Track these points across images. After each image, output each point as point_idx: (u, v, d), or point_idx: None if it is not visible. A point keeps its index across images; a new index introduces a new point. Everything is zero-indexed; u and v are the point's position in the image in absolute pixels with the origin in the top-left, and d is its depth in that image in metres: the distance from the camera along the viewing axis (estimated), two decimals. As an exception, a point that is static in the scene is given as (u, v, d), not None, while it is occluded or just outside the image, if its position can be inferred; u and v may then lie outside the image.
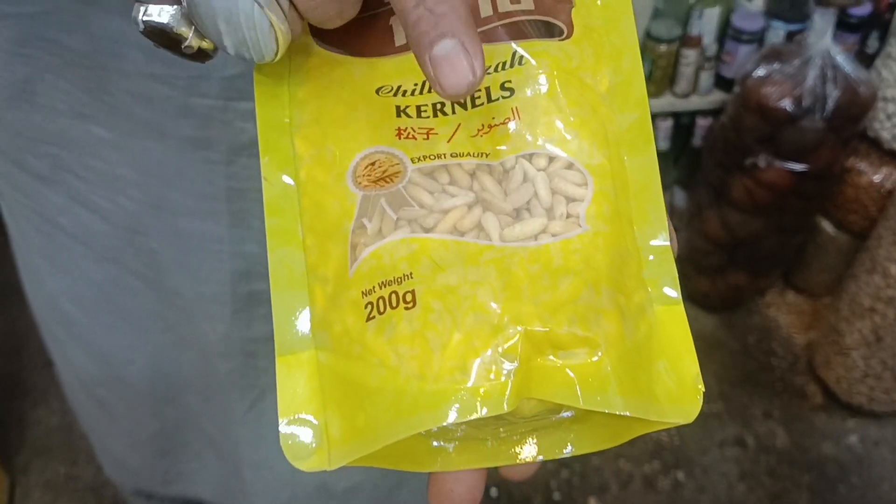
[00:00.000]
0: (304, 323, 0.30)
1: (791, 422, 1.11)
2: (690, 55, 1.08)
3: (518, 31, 0.31)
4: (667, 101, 1.15)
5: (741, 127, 1.02)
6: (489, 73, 0.30)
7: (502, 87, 0.30)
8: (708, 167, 1.12)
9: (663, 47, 1.06)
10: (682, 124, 1.19)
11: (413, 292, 0.27)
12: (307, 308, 0.30)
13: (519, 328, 0.26)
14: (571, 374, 0.26)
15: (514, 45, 0.31)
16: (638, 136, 0.31)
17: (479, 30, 0.29)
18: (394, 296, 0.28)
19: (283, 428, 0.28)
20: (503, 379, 0.25)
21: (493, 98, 0.30)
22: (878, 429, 1.15)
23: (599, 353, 0.26)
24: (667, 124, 1.19)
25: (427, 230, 0.28)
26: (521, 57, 0.31)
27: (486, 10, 0.32)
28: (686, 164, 1.24)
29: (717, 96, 1.12)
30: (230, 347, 0.51)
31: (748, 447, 1.08)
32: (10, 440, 1.14)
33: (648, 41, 1.07)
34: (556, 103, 0.30)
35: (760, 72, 0.99)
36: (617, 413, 0.26)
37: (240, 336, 0.50)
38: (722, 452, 1.06)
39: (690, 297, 1.19)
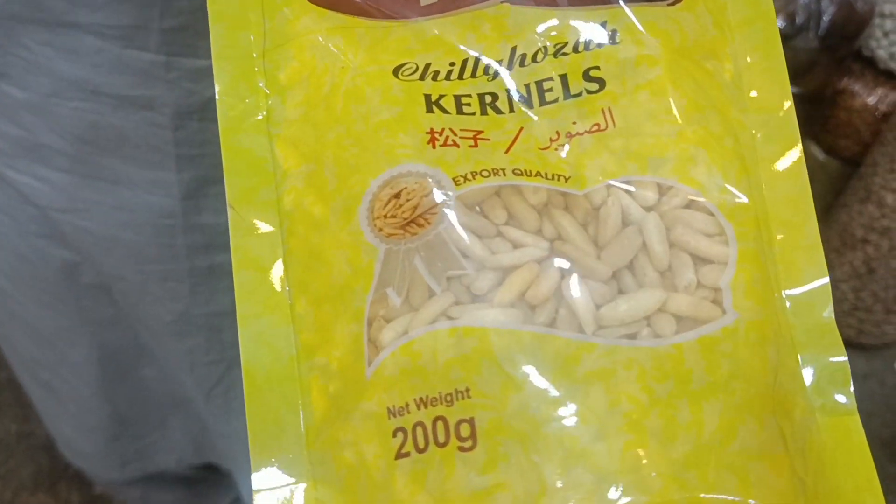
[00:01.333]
0: (293, 437, 0.19)
1: (778, 357, 1.08)
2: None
3: None
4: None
5: (730, 47, 0.96)
6: (564, 54, 0.20)
7: (587, 77, 0.20)
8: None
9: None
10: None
11: (472, 422, 0.17)
12: (298, 412, 0.19)
13: (640, 498, 0.16)
14: None
15: (600, 10, 0.21)
16: (781, 150, 0.21)
17: None
18: (441, 424, 0.18)
19: None
20: None
21: (573, 92, 0.20)
22: (866, 362, 1.12)
23: None
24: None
25: (476, 297, 0.18)
26: (614, 31, 0.21)
27: None
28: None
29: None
30: (190, 325, 0.46)
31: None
32: (-44, 397, 1.09)
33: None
34: (667, 105, 0.20)
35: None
36: None
37: (201, 312, 0.45)
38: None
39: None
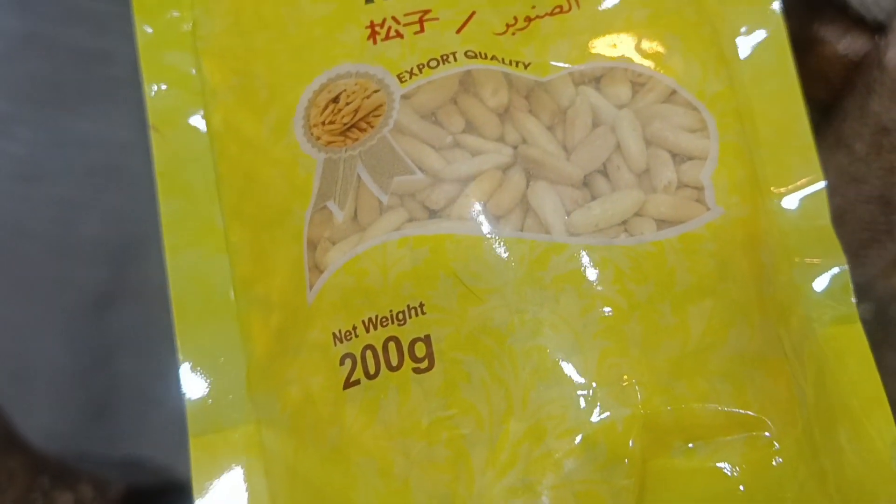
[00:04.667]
0: (233, 377, 0.17)
1: (747, 303, 1.09)
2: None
3: None
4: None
5: (704, -6, 0.95)
6: None
7: None
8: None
9: None
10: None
11: (427, 341, 0.15)
12: (238, 351, 0.17)
13: (626, 410, 0.14)
14: (724, 481, 0.14)
15: None
16: (767, 44, 0.19)
17: None
18: (393, 346, 0.15)
19: None
20: None
21: None
22: (832, 306, 1.14)
23: (766, 438, 0.14)
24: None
25: (433, 212, 0.16)
26: None
27: None
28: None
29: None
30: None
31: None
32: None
33: None
34: None
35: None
36: None
37: None
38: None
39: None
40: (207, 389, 0.16)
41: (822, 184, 0.17)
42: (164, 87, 0.17)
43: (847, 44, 1.03)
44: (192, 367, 0.16)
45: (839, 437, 0.16)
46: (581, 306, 0.14)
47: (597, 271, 0.15)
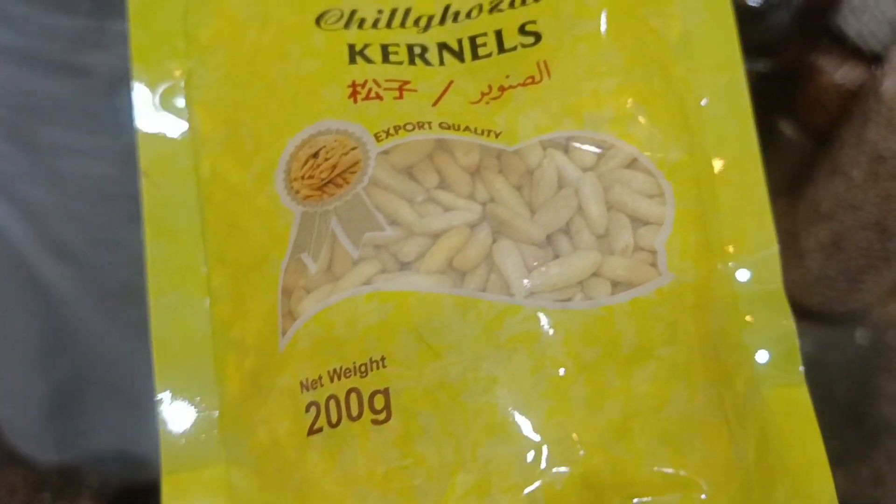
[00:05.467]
0: (207, 418, 0.18)
1: (745, 328, 1.10)
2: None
3: None
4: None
5: (705, 23, 0.97)
6: (500, 10, 0.19)
7: (522, 31, 0.18)
8: (668, 66, 1.07)
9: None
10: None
11: (387, 393, 0.14)
12: (213, 392, 0.19)
13: (564, 469, 0.15)
14: None
15: None
16: (730, 111, 0.20)
17: None
18: (354, 396, 0.14)
19: None
20: None
21: (506, 46, 0.18)
22: (829, 332, 1.15)
23: (702, 499, 0.16)
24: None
25: (405, 264, 0.17)
26: None
27: None
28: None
29: (677, -11, 1.06)
30: (133, 296, 0.46)
31: (703, 355, 1.06)
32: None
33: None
34: (609, 57, 0.17)
35: (725, -37, 0.93)
36: None
37: (143, 284, 0.45)
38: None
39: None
40: (182, 428, 0.17)
41: (775, 248, 0.18)
42: (156, 137, 0.18)
43: (844, 73, 1.05)
44: (168, 405, 0.17)
45: (778, 497, 0.17)
46: (531, 366, 0.16)
47: (548, 333, 0.15)
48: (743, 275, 0.19)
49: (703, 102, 0.19)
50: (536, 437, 0.15)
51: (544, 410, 0.16)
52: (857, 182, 0.99)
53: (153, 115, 0.19)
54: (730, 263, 0.19)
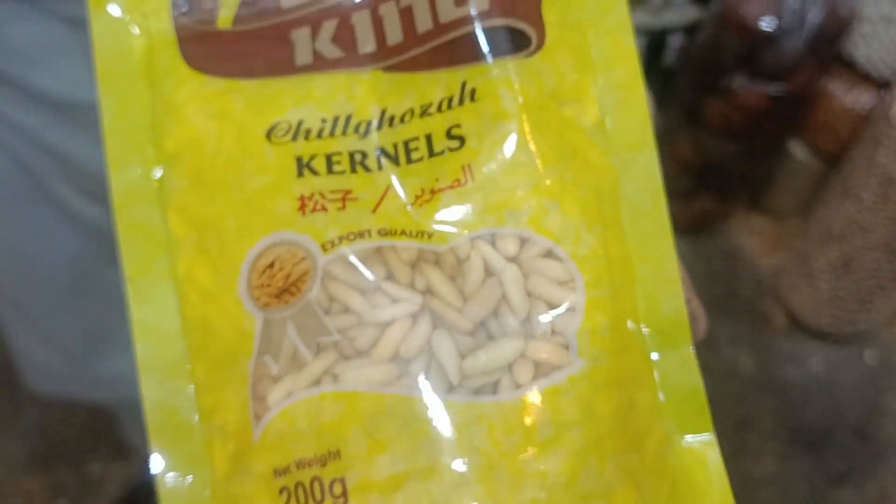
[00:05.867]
0: (199, 493, 0.21)
1: (755, 347, 1.11)
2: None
3: (467, 50, 0.22)
4: (638, 18, 1.10)
5: (718, 46, 0.98)
6: (429, 115, 0.21)
7: (449, 135, 0.21)
8: (681, 88, 1.08)
9: (637, -40, 1.00)
10: (653, 42, 1.14)
11: (343, 482, 0.19)
12: (204, 470, 0.21)
13: None
14: None
15: (461, 71, 0.22)
16: (643, 188, 0.22)
17: (413, 53, 0.22)
18: (317, 484, 0.19)
19: None
20: None
21: (435, 150, 0.21)
22: (838, 352, 1.16)
23: None
24: (638, 42, 1.14)
25: (361, 352, 0.19)
26: (473, 90, 0.22)
27: (423, 23, 0.22)
28: (655, 84, 1.20)
29: (692, 12, 1.07)
30: None
31: (713, 372, 1.07)
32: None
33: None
34: (526, 156, 0.21)
35: (739, -12, 0.94)
36: None
37: None
38: (688, 379, 1.06)
39: (658, 222, 1.16)
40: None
41: (684, 312, 0.20)
42: (137, 239, 0.20)
43: (854, 98, 1.06)
44: (165, 485, 0.19)
45: None
46: (462, 456, 0.19)
47: (474, 425, 0.18)
48: (657, 339, 0.21)
49: (618, 182, 0.21)
50: None
51: (473, 495, 0.18)
52: (867, 204, 1.01)
53: (132, 221, 0.21)
54: (644, 329, 0.21)
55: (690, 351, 0.22)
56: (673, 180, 1.22)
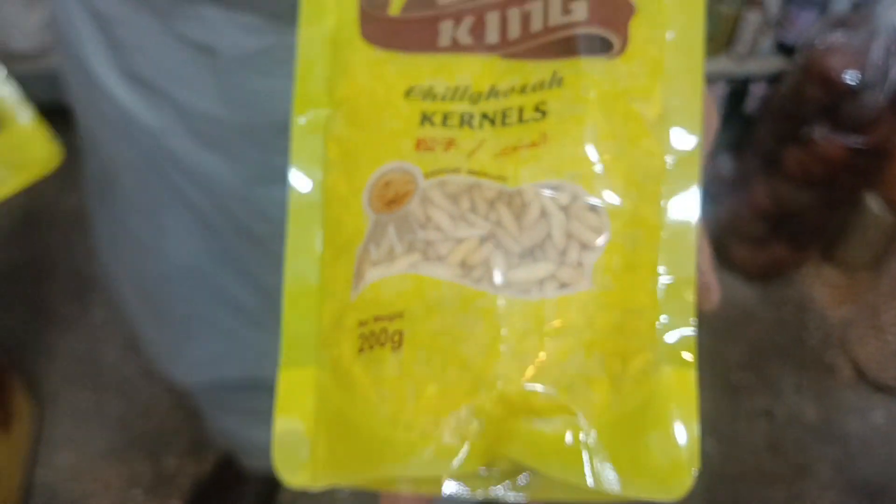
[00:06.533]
0: (311, 337, 0.29)
1: (819, 396, 1.11)
2: (752, 17, 1.05)
3: (565, 47, 0.28)
4: (722, 65, 1.12)
5: (800, 97, 0.99)
6: (525, 93, 0.28)
7: (536, 109, 0.28)
8: (760, 136, 1.10)
9: (725, 8, 1.03)
10: (735, 89, 1.16)
11: (401, 334, 0.26)
12: (316, 323, 0.29)
13: (496, 389, 0.24)
14: (544, 440, 0.24)
15: (556, 63, 0.28)
16: (684, 172, 0.28)
17: (524, 47, 0.29)
18: (384, 333, 0.26)
19: (278, 440, 0.27)
20: (470, 439, 0.24)
21: (524, 118, 0.28)
22: (903, 406, 1.15)
23: (577, 423, 0.24)
24: (721, 88, 1.16)
25: (440, 258, 0.26)
26: (561, 78, 0.28)
27: (536, 24, 0.29)
28: (735, 130, 1.21)
29: (775, 62, 1.09)
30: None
31: (776, 418, 1.08)
32: (39, 368, 1.14)
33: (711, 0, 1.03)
34: (591, 132, 0.27)
35: (825, 41, 0.96)
36: (584, 487, 0.24)
37: None
38: (750, 423, 1.07)
39: (729, 265, 1.18)
40: (297, 339, 0.28)
41: (692, 269, 0.26)
42: (304, 157, 0.29)
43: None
44: (290, 325, 0.28)
45: (650, 438, 0.25)
46: (487, 332, 0.26)
47: (500, 311, 0.25)
48: (667, 291, 0.27)
49: (666, 163, 0.27)
50: (480, 370, 0.25)
51: (487, 355, 0.25)
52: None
53: (305, 147, 0.30)
54: (660, 281, 0.27)
55: (692, 303, 0.27)
56: (747, 226, 1.24)
